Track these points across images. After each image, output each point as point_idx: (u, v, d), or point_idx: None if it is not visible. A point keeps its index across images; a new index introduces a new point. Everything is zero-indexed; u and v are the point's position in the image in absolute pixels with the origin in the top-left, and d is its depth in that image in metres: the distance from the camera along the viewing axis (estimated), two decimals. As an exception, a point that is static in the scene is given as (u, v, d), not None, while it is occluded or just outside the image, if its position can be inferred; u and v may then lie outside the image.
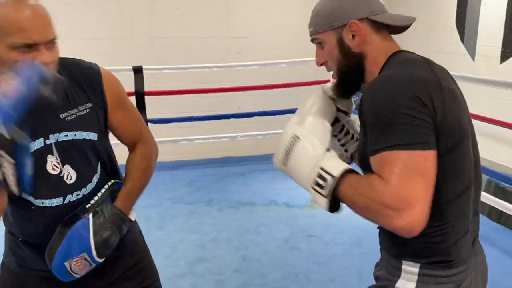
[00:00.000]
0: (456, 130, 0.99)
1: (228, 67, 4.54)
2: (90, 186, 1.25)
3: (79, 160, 1.22)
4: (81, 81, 1.22)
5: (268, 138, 4.71)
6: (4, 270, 1.34)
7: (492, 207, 3.52)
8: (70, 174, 1.21)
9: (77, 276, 1.21)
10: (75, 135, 1.20)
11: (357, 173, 0.99)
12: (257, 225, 3.51)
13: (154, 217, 3.62)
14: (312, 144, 1.02)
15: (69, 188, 1.21)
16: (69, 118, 1.19)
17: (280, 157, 1.06)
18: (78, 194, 1.23)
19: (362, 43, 1.08)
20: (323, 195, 0.98)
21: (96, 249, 1.19)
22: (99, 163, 1.28)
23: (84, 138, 1.21)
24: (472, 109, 4.31)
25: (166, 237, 3.31)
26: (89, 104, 1.22)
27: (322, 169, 0.98)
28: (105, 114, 1.26)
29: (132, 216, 1.33)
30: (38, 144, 1.16)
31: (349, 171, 0.98)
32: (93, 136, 1.23)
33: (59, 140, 1.18)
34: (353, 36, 1.08)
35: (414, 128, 0.92)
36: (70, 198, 1.22)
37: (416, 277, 1.05)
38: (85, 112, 1.21)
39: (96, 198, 1.25)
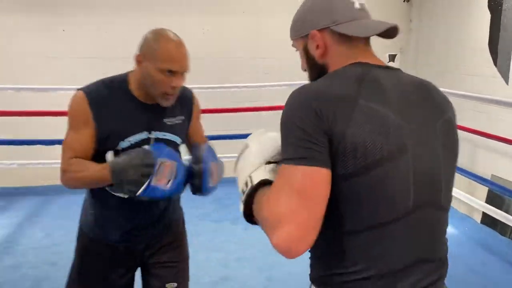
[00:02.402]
0: (367, 153, 0.86)
1: (258, 87, 4.58)
2: None
3: None
4: (181, 99, 1.62)
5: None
6: (84, 238, 1.69)
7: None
8: None
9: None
10: (169, 136, 1.60)
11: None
12: (282, 246, 3.47)
13: (180, 234, 3.61)
14: (255, 153, 1.04)
15: None
16: (169, 123, 1.60)
17: (236, 162, 1.11)
18: None
19: (325, 54, 1.02)
20: (242, 201, 1.00)
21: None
22: None
23: (173, 140, 1.61)
24: (505, 134, 4.17)
25: (191, 254, 3.27)
26: (182, 117, 1.66)
27: (249, 177, 1.00)
28: (188, 124, 1.71)
29: None
30: (143, 135, 1.54)
31: (266, 183, 0.95)
32: (178, 140, 1.65)
33: (158, 136, 1.57)
34: (317, 46, 1.02)
35: (302, 142, 0.86)
36: None
37: None
38: (179, 121, 1.64)
39: None
